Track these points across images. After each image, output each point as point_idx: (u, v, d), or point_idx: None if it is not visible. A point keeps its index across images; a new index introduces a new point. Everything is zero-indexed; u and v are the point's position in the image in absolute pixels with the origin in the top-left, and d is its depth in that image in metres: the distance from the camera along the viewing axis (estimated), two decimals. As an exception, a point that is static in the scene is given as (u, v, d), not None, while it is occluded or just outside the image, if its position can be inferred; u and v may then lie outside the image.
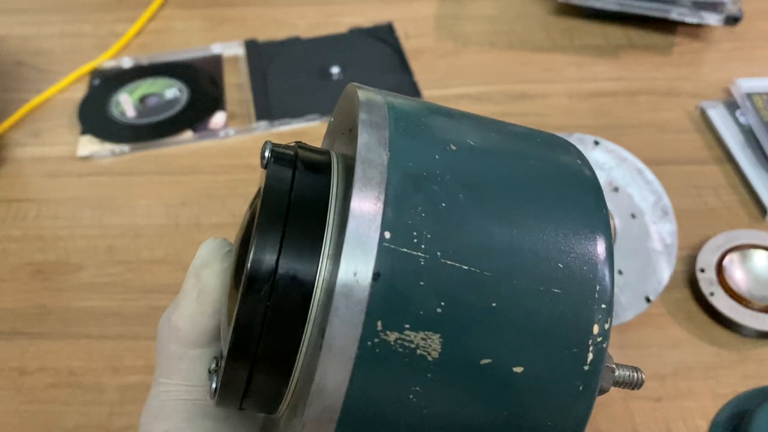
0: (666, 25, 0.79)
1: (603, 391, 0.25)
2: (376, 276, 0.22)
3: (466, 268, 0.23)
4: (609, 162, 0.56)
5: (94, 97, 0.73)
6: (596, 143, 0.56)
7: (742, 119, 0.68)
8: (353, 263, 0.21)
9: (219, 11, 0.84)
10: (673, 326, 0.53)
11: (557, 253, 0.24)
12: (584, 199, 0.26)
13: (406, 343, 0.22)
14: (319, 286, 0.23)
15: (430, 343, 0.22)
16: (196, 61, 0.76)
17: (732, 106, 0.69)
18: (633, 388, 0.28)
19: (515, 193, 0.25)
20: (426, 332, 0.22)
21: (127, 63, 0.77)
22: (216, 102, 0.72)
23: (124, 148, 0.68)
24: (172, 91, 0.73)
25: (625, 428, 0.48)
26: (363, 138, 0.24)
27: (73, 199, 0.64)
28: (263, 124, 0.69)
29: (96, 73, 0.76)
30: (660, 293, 0.52)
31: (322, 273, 0.24)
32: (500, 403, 0.23)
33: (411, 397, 0.22)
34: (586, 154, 0.56)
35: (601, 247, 0.24)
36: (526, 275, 0.23)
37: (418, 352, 0.22)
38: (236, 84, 0.74)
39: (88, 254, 0.59)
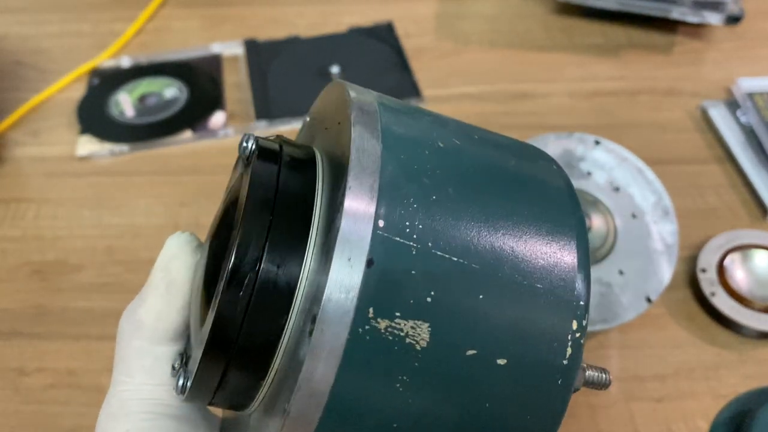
0: (667, 25, 0.78)
1: (575, 390, 0.25)
2: (369, 263, 0.22)
3: (455, 259, 0.23)
4: (610, 162, 0.55)
5: (93, 97, 0.73)
6: (597, 143, 0.56)
7: (743, 119, 0.68)
8: (348, 249, 0.22)
9: (218, 10, 0.83)
10: (674, 326, 0.53)
11: (539, 248, 0.25)
12: (561, 198, 0.27)
13: (396, 331, 0.22)
14: (305, 275, 0.23)
15: (419, 332, 0.22)
16: (196, 61, 0.76)
17: (733, 105, 0.69)
18: (600, 389, 0.28)
19: (499, 190, 0.25)
20: (415, 321, 0.22)
21: (126, 62, 0.76)
22: (215, 101, 0.72)
23: (123, 147, 0.67)
24: (172, 90, 0.73)
25: (626, 429, 0.48)
26: (357, 129, 0.24)
27: (72, 199, 0.63)
28: (263, 123, 0.69)
29: (95, 73, 0.75)
30: (661, 293, 0.51)
31: (308, 263, 0.23)
32: (483, 394, 0.24)
33: (398, 385, 0.22)
34: (586, 154, 0.56)
35: (578, 247, 0.26)
36: (510, 268, 0.24)
37: (407, 340, 0.22)
38: (236, 83, 0.74)
39: (87, 254, 0.59)
